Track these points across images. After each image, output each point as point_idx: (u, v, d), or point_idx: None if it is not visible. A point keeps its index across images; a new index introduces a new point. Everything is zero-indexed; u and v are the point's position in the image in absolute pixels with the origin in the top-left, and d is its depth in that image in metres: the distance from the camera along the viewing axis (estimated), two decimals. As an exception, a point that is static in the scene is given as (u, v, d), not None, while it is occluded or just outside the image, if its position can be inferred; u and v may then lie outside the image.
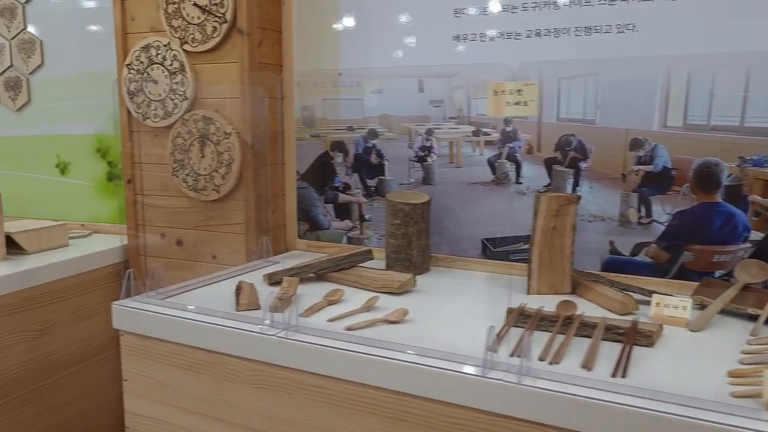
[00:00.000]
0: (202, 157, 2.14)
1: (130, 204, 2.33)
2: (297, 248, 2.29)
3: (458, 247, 2.02)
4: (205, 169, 2.14)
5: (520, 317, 1.44)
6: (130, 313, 1.61)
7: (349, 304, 1.61)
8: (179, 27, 2.12)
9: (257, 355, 1.43)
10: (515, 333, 1.37)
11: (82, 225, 2.67)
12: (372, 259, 1.91)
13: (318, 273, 1.85)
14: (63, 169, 2.70)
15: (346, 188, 2.21)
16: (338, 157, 2.21)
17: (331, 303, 1.63)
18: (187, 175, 2.18)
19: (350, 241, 2.21)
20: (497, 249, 1.96)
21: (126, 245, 2.38)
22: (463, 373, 1.20)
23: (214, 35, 2.06)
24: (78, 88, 2.61)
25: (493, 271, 1.95)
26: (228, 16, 2.03)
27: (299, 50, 2.20)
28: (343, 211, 2.22)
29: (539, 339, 1.34)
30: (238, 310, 1.57)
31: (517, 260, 1.93)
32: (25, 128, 2.75)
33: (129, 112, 2.26)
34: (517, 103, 1.23)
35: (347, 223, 2.22)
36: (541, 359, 1.24)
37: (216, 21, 2.05)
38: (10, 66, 2.71)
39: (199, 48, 2.10)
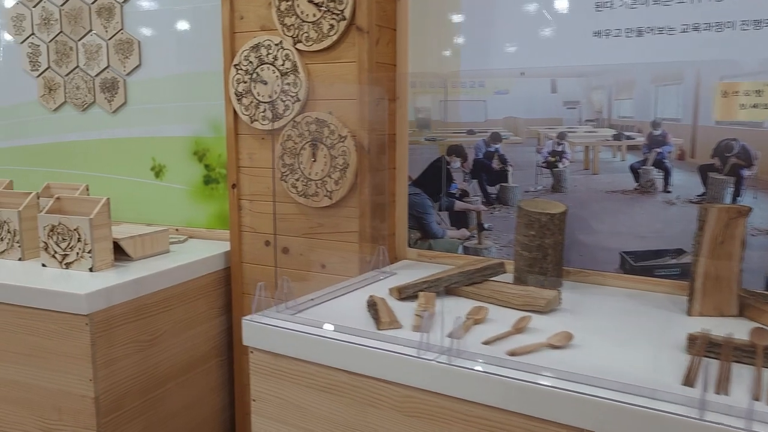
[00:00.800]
0: (314, 161, 2.04)
1: (234, 209, 2.24)
2: (407, 258, 2.17)
3: (592, 260, 1.86)
4: (316, 174, 2.04)
5: (707, 346, 1.28)
6: (262, 329, 1.51)
7: (497, 324, 1.48)
8: (292, 25, 2.02)
9: (411, 381, 1.31)
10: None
11: (177, 230, 2.60)
12: (504, 272, 1.78)
13: (448, 287, 1.72)
14: (158, 172, 2.65)
15: (464, 195, 2.08)
16: (455, 162, 2.07)
17: (477, 322, 1.50)
18: (297, 180, 2.08)
19: (466, 251, 2.08)
20: (639, 263, 1.80)
21: (228, 252, 2.30)
22: (670, 413, 1.05)
23: (331, 33, 1.96)
24: (175, 89, 2.55)
25: (634, 287, 1.79)
26: (347, 14, 1.92)
27: (414, 49, 2.08)
28: (459, 220, 2.09)
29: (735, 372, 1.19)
30: (380, 329, 1.45)
31: (663, 276, 1.76)
32: (120, 130, 2.70)
33: (236, 114, 2.18)
34: (755, 106, 1.07)
35: (463, 232, 2.09)
36: (756, 399, 1.09)
37: (333, 18, 1.94)
38: (107, 67, 2.67)
39: (314, 47, 2.00)
